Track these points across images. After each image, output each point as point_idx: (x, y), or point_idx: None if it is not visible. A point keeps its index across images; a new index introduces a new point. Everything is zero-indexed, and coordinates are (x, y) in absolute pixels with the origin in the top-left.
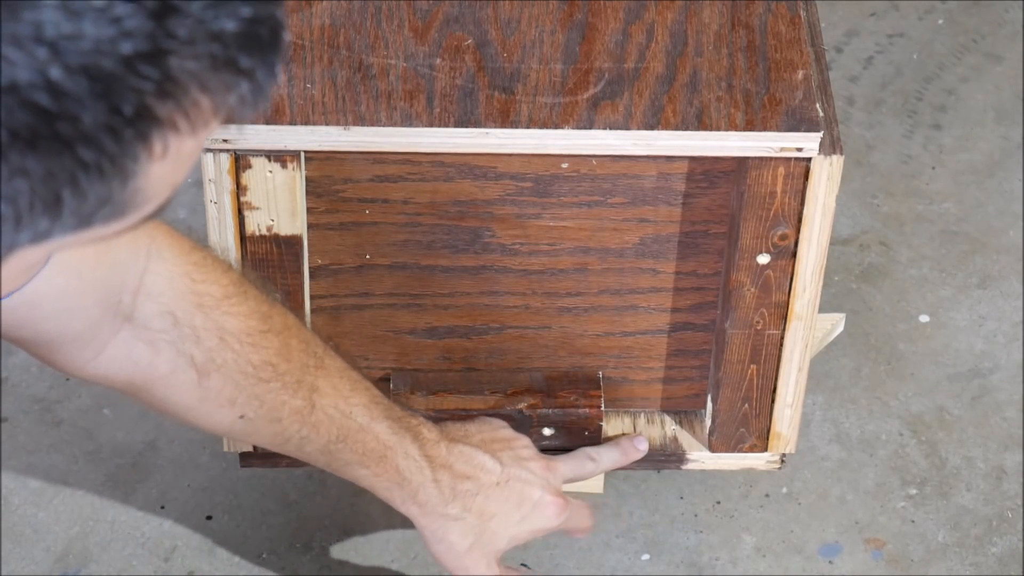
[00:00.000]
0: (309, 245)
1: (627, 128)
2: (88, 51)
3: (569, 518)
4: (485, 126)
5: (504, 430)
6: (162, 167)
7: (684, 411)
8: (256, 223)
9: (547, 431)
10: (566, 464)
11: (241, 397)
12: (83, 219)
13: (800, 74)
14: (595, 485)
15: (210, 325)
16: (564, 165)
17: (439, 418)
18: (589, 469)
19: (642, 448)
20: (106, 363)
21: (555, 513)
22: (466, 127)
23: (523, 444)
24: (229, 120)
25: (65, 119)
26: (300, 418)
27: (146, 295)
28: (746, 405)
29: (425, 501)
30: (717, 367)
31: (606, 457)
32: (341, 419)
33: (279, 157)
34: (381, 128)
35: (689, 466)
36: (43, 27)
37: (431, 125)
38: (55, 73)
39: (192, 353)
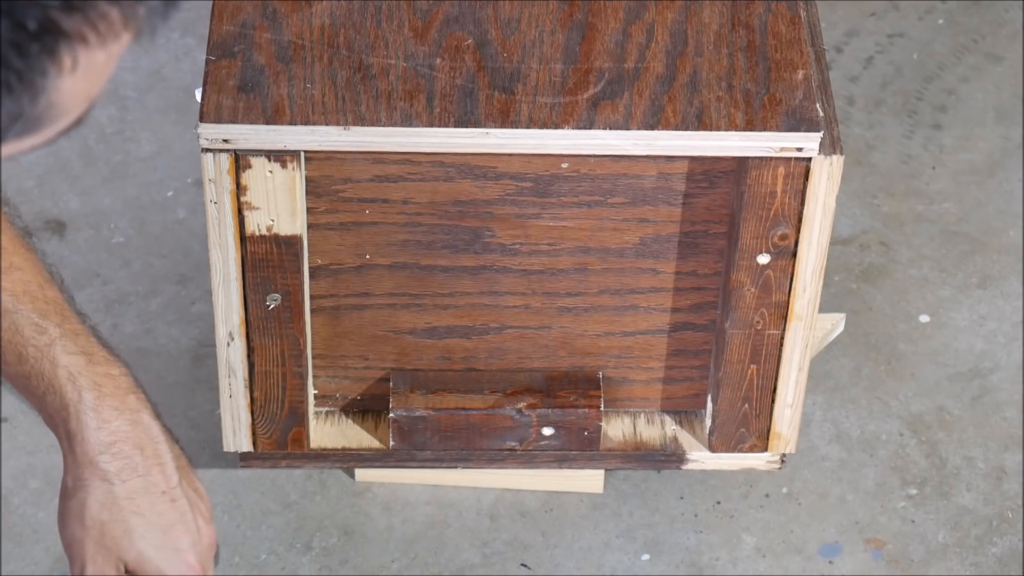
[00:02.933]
0: (309, 245)
1: (627, 128)
2: None
3: None
4: (485, 126)
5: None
6: (74, 81)
7: (684, 411)
8: (256, 223)
9: (547, 431)
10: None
11: None
12: None
13: (800, 74)
14: (595, 485)
15: None
16: (564, 165)
17: None
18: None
19: None
20: None
21: (185, 567)
22: (466, 127)
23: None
24: (140, 32)
25: None
26: None
27: None
28: (746, 405)
29: (75, 434)
30: (717, 367)
31: None
32: None
33: (279, 157)
34: (381, 128)
35: (689, 466)
36: None
37: (431, 125)
38: None
39: None
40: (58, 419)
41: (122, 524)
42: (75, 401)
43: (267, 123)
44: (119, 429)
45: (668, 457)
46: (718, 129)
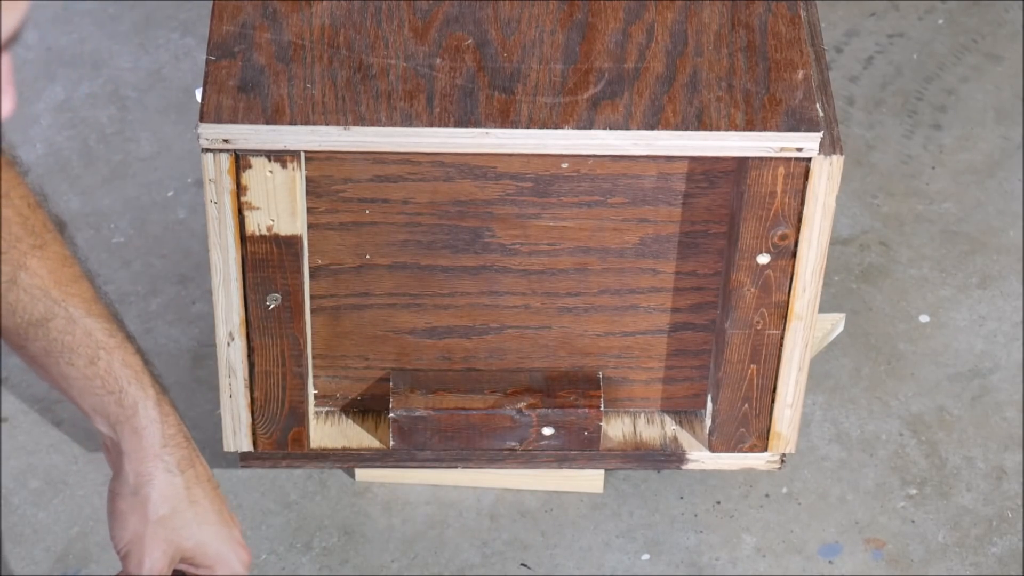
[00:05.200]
0: (309, 245)
1: (627, 128)
2: None
3: None
4: (485, 126)
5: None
6: None
7: (684, 411)
8: (256, 223)
9: (547, 431)
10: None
11: None
12: None
13: (800, 74)
14: (595, 485)
15: None
16: (564, 165)
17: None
18: None
19: None
20: None
21: (240, 548)
22: (466, 127)
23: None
24: None
25: None
26: None
27: None
28: (746, 405)
29: (143, 428)
30: (717, 367)
31: None
32: (48, 303)
33: (279, 157)
34: (381, 128)
35: (689, 466)
36: None
37: (431, 125)
38: None
39: None
40: (122, 417)
41: (182, 515)
42: (143, 398)
43: (267, 123)
44: (174, 423)
45: (668, 457)
46: (718, 129)
